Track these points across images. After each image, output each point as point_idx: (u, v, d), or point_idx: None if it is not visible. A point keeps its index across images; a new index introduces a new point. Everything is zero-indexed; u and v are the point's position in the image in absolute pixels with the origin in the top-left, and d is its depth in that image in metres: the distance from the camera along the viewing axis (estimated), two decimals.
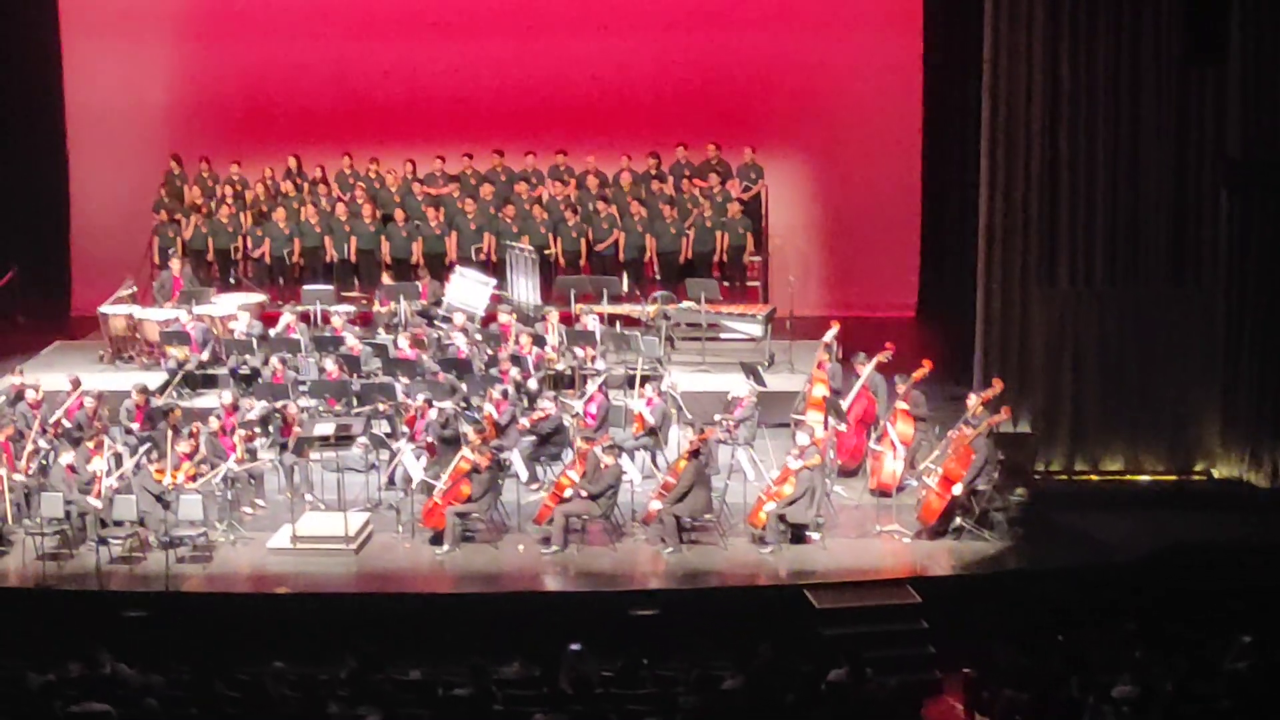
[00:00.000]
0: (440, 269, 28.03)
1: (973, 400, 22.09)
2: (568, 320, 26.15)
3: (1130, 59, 23.08)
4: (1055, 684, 16.32)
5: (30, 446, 21.80)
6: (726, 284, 28.08)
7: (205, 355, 25.50)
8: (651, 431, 23.07)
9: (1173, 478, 23.59)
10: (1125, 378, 23.45)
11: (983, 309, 23.89)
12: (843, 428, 22.98)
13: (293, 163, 29.73)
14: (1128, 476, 23.64)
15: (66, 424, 22.85)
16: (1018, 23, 23.16)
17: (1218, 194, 23.17)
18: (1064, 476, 23.56)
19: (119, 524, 21.11)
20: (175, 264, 27.77)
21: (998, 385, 22.27)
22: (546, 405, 22.69)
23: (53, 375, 24.71)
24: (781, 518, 21.09)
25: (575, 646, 17.43)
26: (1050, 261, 23.51)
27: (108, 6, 30.30)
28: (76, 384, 23.53)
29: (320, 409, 23.79)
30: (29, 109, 30.30)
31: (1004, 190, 23.49)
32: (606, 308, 26.73)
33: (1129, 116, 23.16)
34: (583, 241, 28.46)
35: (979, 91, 23.74)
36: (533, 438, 22.96)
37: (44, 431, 22.47)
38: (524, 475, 22.29)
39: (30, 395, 23.18)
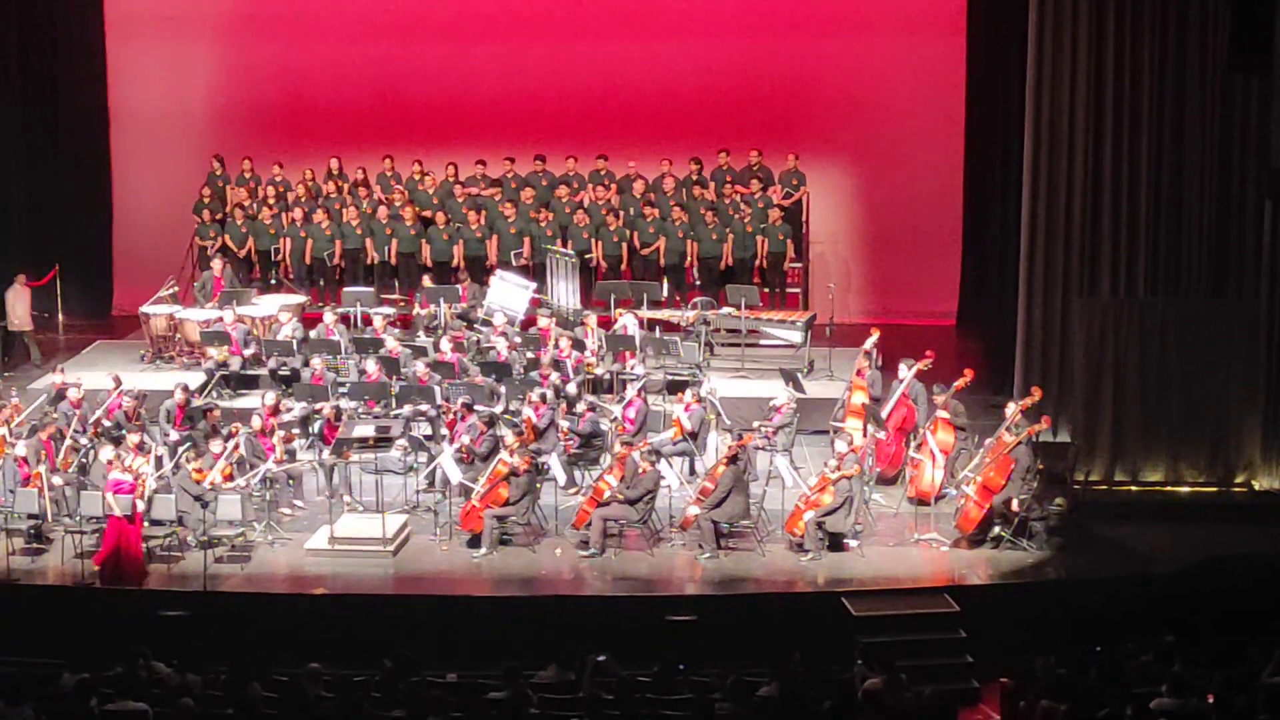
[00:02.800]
0: (481, 272, 28.04)
1: (1012, 409, 22.04)
2: (607, 325, 26.15)
3: (1174, 68, 23.03)
4: (1092, 695, 16.24)
5: (69, 444, 21.84)
6: (767, 290, 28.07)
7: (248, 353, 25.54)
8: (690, 437, 23.06)
9: (1213, 489, 23.47)
10: (1166, 388, 23.34)
11: (1024, 318, 23.85)
12: (882, 435, 22.95)
13: (334, 164, 29.79)
14: (1168, 487, 23.52)
15: (106, 422, 22.94)
16: (1062, 31, 23.12)
17: (1261, 204, 23.06)
18: (1104, 486, 23.44)
19: (158, 523, 21.17)
20: (216, 264, 27.87)
21: (1037, 393, 22.23)
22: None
23: (94, 374, 24.83)
24: (820, 525, 21.06)
25: (601, 657, 17.42)
26: (1092, 271, 23.46)
27: (152, 9, 30.46)
28: (118, 383, 23.61)
29: (360, 411, 23.82)
30: (73, 110, 30.45)
31: (1046, 199, 23.45)
32: (646, 313, 26.72)
33: (1172, 126, 23.12)
34: (623, 246, 28.46)
35: (1022, 99, 23.72)
36: (574, 439, 22.99)
37: (83, 430, 22.54)
38: (562, 479, 22.28)
39: (72, 394, 23.29)
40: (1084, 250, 23.42)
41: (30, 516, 21.24)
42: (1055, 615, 19.79)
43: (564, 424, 22.98)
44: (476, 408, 22.81)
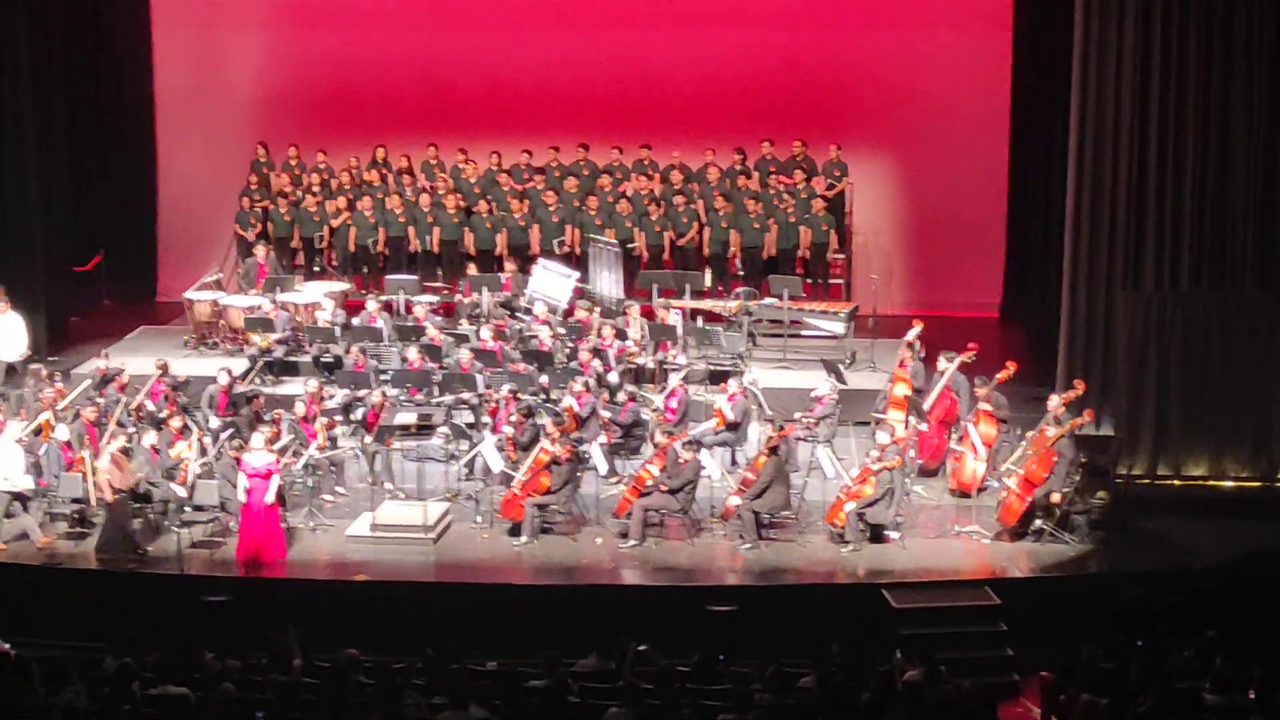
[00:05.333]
0: (524, 261, 28.07)
1: (1054, 402, 21.97)
2: (649, 314, 26.15)
3: (1221, 60, 22.91)
4: (1133, 690, 16.19)
5: (111, 428, 21.93)
6: (809, 281, 28.06)
7: (280, 334, 25.62)
8: (732, 427, 23.06)
9: (1257, 484, 23.34)
10: (1210, 382, 23.22)
11: (1067, 311, 23.78)
12: (924, 427, 22.91)
13: (379, 153, 29.84)
14: (1211, 482, 23.41)
15: (150, 406, 23.02)
16: (1108, 22, 23.03)
17: None
18: (1146, 481, 23.34)
19: (200, 509, 21.27)
20: (260, 251, 27.97)
21: (1080, 387, 22.16)
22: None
23: (138, 359, 24.94)
24: (861, 516, 21.05)
25: (641, 647, 17.43)
26: (1136, 264, 23.37)
27: None
28: (164, 368, 23.69)
29: (402, 398, 23.88)
30: (119, 97, 30.60)
31: (1091, 191, 23.36)
32: (689, 302, 26.75)
33: (1219, 119, 22.99)
34: (666, 236, 28.45)
35: (1068, 91, 23.63)
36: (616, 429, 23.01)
37: (127, 414, 22.62)
38: (603, 468, 22.29)
39: (121, 378, 23.37)
40: (1128, 243, 23.33)
41: (74, 501, 21.33)
42: (1096, 609, 19.74)
43: (605, 413, 22.99)
44: (520, 396, 22.84)
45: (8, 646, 17.40)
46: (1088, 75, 23.20)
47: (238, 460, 20.95)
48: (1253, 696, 15.95)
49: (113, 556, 20.83)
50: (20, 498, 21.28)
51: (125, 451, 21.09)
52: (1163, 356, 23.25)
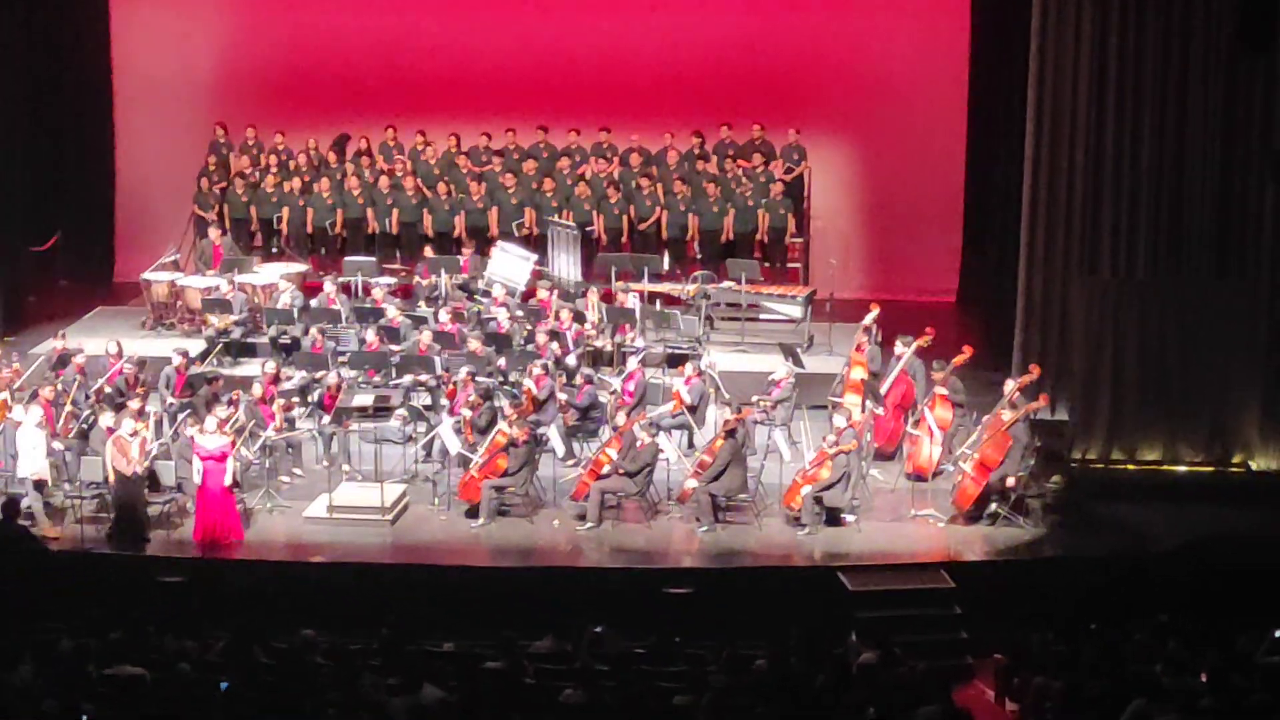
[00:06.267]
0: (482, 243, 28.07)
1: (1010, 386, 22.07)
2: (608, 298, 26.18)
3: (1179, 47, 22.96)
4: (1087, 673, 16.30)
5: (69, 410, 21.87)
6: (767, 265, 28.11)
7: (237, 316, 25.57)
8: (689, 410, 23.10)
9: (1210, 469, 23.46)
10: (1165, 368, 23.32)
11: (1024, 296, 23.86)
12: (880, 411, 23.00)
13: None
14: (1165, 466, 23.51)
15: (108, 389, 22.97)
16: (1066, 8, 23.09)
17: (1264, 186, 23.05)
18: (1101, 465, 23.44)
19: (157, 489, 21.21)
20: (214, 232, 27.91)
21: (1035, 372, 22.28)
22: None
23: (95, 340, 24.88)
24: (817, 500, 21.12)
25: (597, 629, 17.48)
26: (1093, 250, 23.44)
27: None
28: (120, 349, 23.63)
29: (360, 380, 23.87)
30: (77, 76, 30.46)
31: (1048, 177, 23.43)
32: (647, 286, 26.78)
33: (1176, 105, 23.06)
34: (624, 219, 28.48)
35: (1025, 77, 23.67)
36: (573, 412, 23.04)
37: (85, 396, 22.56)
38: (561, 451, 22.32)
39: (78, 359, 23.31)
40: (1085, 229, 23.40)
41: (19, 480, 21.27)
42: (1051, 593, 19.85)
43: (562, 396, 23.01)
44: (477, 379, 22.86)
45: None
46: (1045, 61, 23.26)
47: (192, 441, 20.93)
48: (1205, 679, 16.06)
49: (122, 541, 20.74)
50: (38, 485, 21.17)
51: (134, 434, 20.96)
52: (1118, 342, 23.35)
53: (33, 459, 21.15)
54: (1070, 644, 17.44)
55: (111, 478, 20.79)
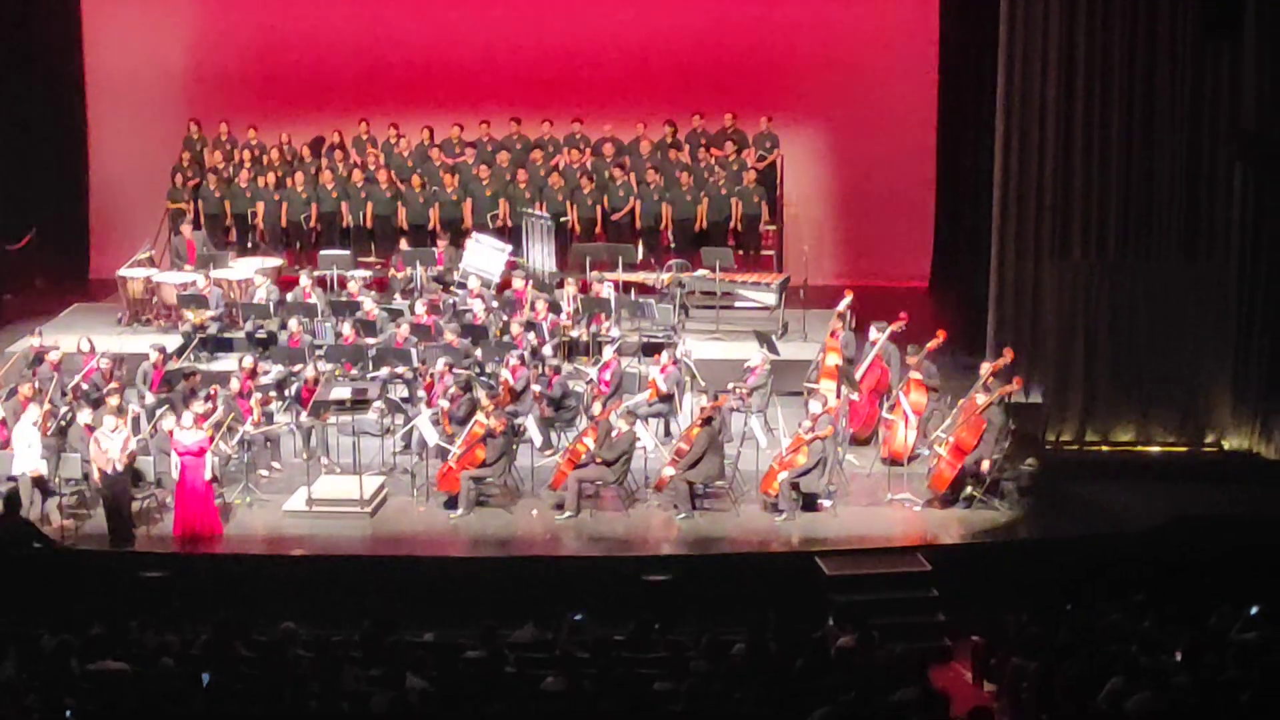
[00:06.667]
0: (457, 235, 28.12)
1: (984, 370, 22.20)
2: (584, 287, 26.25)
3: (1146, 31, 23.08)
4: (1063, 653, 16.42)
5: (46, 407, 21.91)
6: (741, 252, 28.19)
7: (214, 311, 25.61)
8: (665, 398, 23.21)
9: (1183, 449, 23.66)
10: (1137, 349, 23.50)
11: (996, 280, 23.95)
12: (855, 396, 23.11)
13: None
14: (1138, 447, 23.71)
15: (84, 386, 22.99)
16: None
17: (1232, 167, 23.20)
18: (1075, 447, 23.65)
19: (137, 485, 21.26)
20: (186, 229, 27.94)
21: (1009, 355, 22.38)
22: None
23: (71, 337, 24.81)
24: (794, 486, 21.23)
25: (577, 616, 17.57)
26: (1064, 233, 23.55)
27: None
28: (92, 347, 23.65)
29: (337, 373, 23.93)
30: (49, 73, 30.42)
31: (1018, 162, 23.52)
32: (621, 275, 26.86)
33: (1144, 89, 23.17)
34: (598, 209, 28.55)
35: (995, 62, 23.77)
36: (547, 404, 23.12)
37: (62, 394, 22.59)
38: (538, 440, 22.41)
39: (52, 356, 23.36)
40: (1056, 213, 23.50)
41: (9, 478, 21.30)
42: (1026, 574, 19.97)
43: (536, 387, 23.08)
44: (455, 370, 22.93)
45: None
46: (1014, 46, 23.34)
47: (170, 436, 20.99)
48: (1179, 658, 16.19)
49: (114, 538, 20.80)
50: (40, 483, 21.20)
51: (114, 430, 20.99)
52: (1090, 324, 23.54)
53: (28, 456, 21.16)
54: (1047, 625, 17.54)
55: (95, 475, 20.84)
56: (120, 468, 20.68)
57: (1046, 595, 18.79)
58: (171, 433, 20.99)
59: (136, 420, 22.06)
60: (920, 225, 29.85)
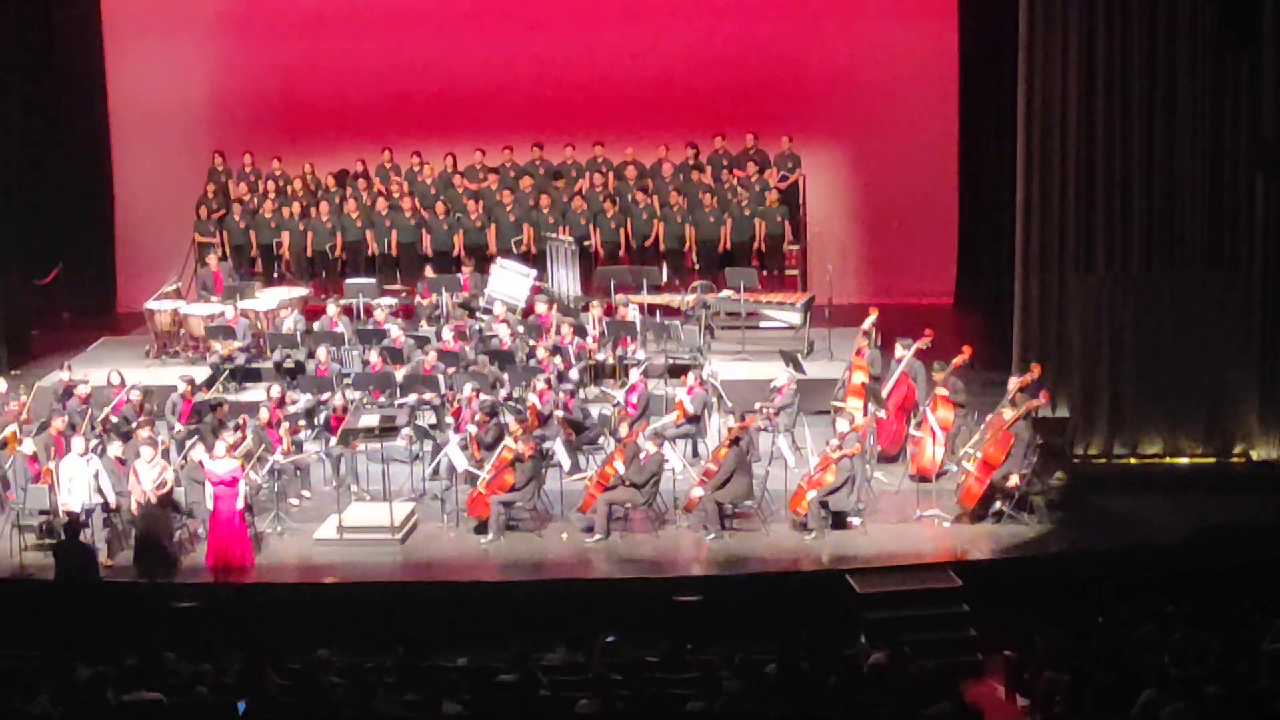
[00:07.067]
0: (481, 261, 28.21)
1: (1011, 385, 22.21)
2: (608, 311, 26.31)
3: (1165, 43, 23.09)
4: (1095, 665, 16.43)
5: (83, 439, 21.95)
6: (765, 272, 28.24)
7: (241, 342, 25.73)
8: (693, 419, 23.25)
9: (1211, 460, 23.64)
10: (1163, 361, 23.48)
11: (1020, 295, 23.95)
12: (883, 414, 23.11)
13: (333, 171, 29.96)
14: (1166, 459, 23.69)
15: (114, 419, 23.10)
16: (1053, 8, 23.20)
17: (1253, 177, 23.20)
18: (1103, 460, 23.64)
19: (176, 515, 21.32)
20: (213, 259, 28.08)
21: (1036, 370, 22.40)
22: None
23: (99, 371, 24.89)
24: (823, 504, 21.25)
25: (609, 638, 17.60)
26: (1087, 247, 23.55)
27: (149, 6, 30.54)
28: (121, 379, 23.75)
29: (365, 401, 24.01)
30: (73, 107, 30.51)
31: (1040, 176, 23.54)
32: (646, 298, 26.88)
33: (1164, 101, 23.18)
34: (621, 232, 28.63)
35: (1015, 78, 23.80)
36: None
37: (92, 427, 22.68)
38: (567, 464, 22.45)
39: (80, 390, 23.47)
40: (1079, 226, 23.50)
41: (41, 512, 21.38)
42: (1057, 588, 19.94)
43: (559, 413, 23.11)
44: (482, 396, 23.00)
45: None
46: (1034, 61, 23.37)
47: (202, 467, 21.08)
48: (1211, 669, 16.19)
49: (146, 568, 20.85)
50: (90, 514, 21.16)
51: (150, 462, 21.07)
52: (1116, 337, 23.53)
53: (80, 491, 21.20)
54: (1078, 638, 17.58)
55: (134, 506, 20.94)
56: (154, 499, 20.77)
57: (1077, 608, 18.83)
58: (203, 463, 21.08)
59: (166, 451, 22.13)
60: (944, 242, 29.89)
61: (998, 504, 21.56)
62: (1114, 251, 23.53)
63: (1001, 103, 26.02)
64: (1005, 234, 25.09)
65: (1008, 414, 21.68)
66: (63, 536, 20.23)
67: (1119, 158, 23.33)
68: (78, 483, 21.12)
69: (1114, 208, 23.42)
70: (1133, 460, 23.69)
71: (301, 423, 23.33)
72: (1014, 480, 21.42)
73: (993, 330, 26.14)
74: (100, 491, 21.07)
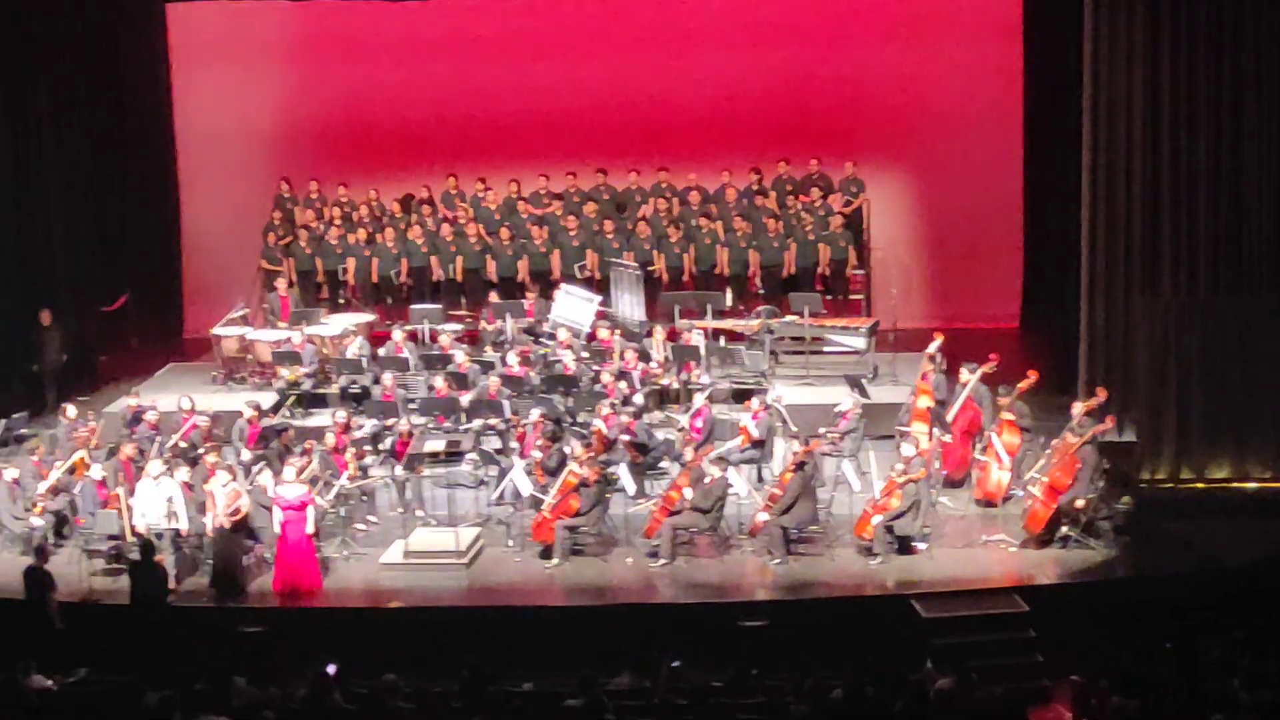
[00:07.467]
0: (546, 286, 28.29)
1: (1077, 409, 22.14)
2: (672, 336, 26.34)
3: (1231, 65, 23.02)
4: (1164, 691, 16.34)
5: (160, 463, 22.02)
6: (829, 297, 28.20)
7: (308, 367, 25.88)
8: (757, 444, 23.25)
9: (1279, 484, 23.49)
10: (1229, 385, 23.33)
11: (1086, 319, 23.90)
12: (948, 439, 23.07)
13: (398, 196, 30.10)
14: (1233, 484, 23.52)
15: (182, 444, 23.24)
16: (1117, 31, 23.17)
17: None
18: (1170, 484, 23.48)
19: (250, 540, 21.44)
20: (281, 284, 28.23)
21: (1102, 394, 22.32)
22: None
23: (167, 396, 25.11)
24: (888, 529, 21.21)
25: (675, 663, 17.59)
26: (1153, 270, 23.47)
27: (214, 34, 30.74)
28: (192, 404, 23.92)
29: (430, 426, 24.10)
30: (140, 135, 30.76)
31: (1106, 199, 23.49)
32: (710, 323, 26.90)
33: (1230, 124, 23.09)
34: (685, 257, 28.65)
35: (1080, 101, 23.76)
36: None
37: (161, 452, 22.81)
38: (631, 489, 22.46)
39: (150, 416, 23.64)
40: (1145, 250, 23.43)
41: (110, 538, 21.54)
42: (1124, 612, 19.85)
43: (624, 438, 23.13)
44: (547, 421, 23.04)
45: (50, 683, 17.63)
46: (1099, 84, 23.34)
47: (266, 491, 21.19)
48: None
49: (220, 593, 20.98)
50: (159, 539, 21.25)
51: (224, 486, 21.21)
52: (1182, 361, 23.38)
53: (152, 514, 21.32)
54: (1146, 663, 17.48)
55: (208, 530, 21.08)
56: (226, 524, 20.88)
57: (1145, 633, 18.72)
58: (267, 488, 21.18)
59: (234, 477, 22.24)
60: (1009, 266, 29.81)
61: (1064, 529, 21.48)
62: (1180, 274, 23.44)
63: (1066, 124, 25.90)
64: (1071, 257, 25.02)
65: (1073, 438, 21.59)
66: (137, 558, 20.36)
67: (1185, 179, 23.25)
68: (151, 506, 21.24)
69: (1180, 230, 23.34)
70: (1200, 484, 23.52)
71: (367, 448, 23.42)
72: (1080, 504, 21.34)
73: (1058, 354, 26.02)
74: (173, 516, 21.18)
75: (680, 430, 23.63)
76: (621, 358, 25.33)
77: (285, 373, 25.91)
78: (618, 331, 26.41)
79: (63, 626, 20.11)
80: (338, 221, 29.54)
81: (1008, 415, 22.63)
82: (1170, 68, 23.07)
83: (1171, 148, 23.19)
